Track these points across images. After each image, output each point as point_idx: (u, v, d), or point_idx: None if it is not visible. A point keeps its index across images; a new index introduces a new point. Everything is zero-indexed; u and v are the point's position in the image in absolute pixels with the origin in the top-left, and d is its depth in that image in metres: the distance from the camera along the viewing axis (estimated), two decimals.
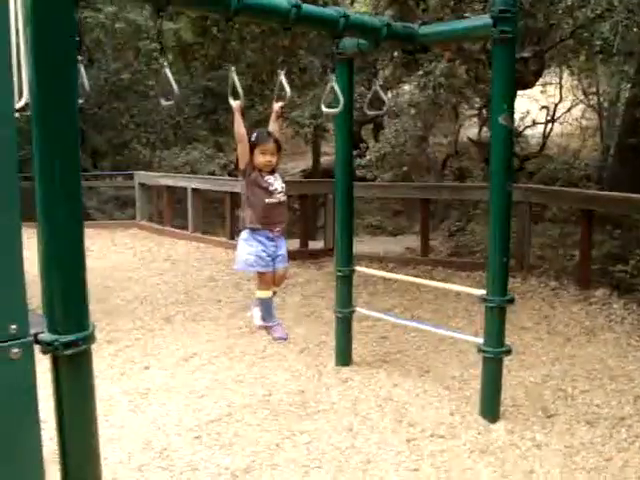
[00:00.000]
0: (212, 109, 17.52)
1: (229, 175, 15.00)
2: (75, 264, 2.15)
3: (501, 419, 4.36)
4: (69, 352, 2.11)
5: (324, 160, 20.35)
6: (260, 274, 4.30)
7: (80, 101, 2.29)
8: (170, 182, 12.74)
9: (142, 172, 13.99)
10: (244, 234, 4.26)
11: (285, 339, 4.63)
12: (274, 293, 4.51)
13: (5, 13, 1.80)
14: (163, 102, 3.32)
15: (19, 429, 2.08)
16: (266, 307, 4.44)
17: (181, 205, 13.20)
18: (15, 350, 2.02)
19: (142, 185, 13.45)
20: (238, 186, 11.36)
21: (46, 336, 2.11)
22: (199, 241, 11.48)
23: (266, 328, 4.53)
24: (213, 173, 14.67)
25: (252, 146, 4.06)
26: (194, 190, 11.96)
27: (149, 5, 3.12)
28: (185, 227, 12.17)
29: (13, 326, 2.01)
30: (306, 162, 20.75)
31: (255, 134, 4.13)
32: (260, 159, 4.07)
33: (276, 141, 4.15)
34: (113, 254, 10.56)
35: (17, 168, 1.99)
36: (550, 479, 3.63)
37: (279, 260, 4.32)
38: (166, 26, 15.11)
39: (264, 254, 4.18)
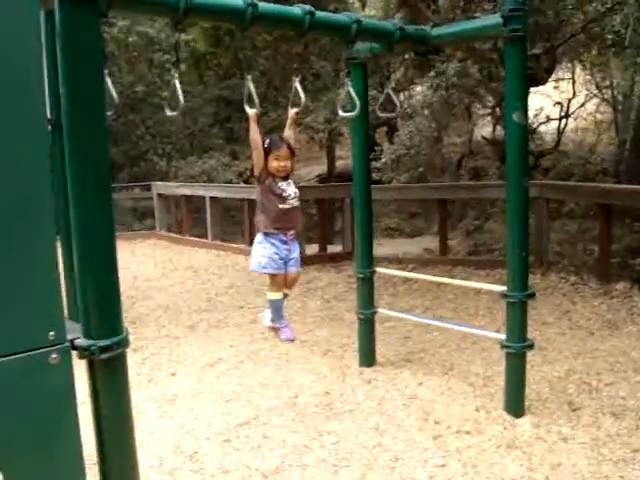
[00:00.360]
0: (226, 118, 17.66)
1: (245, 183, 15.11)
2: (108, 271, 2.23)
3: (526, 414, 4.38)
4: (105, 356, 2.19)
5: (339, 164, 20.42)
6: (271, 276, 4.39)
7: (109, 113, 2.37)
8: (188, 191, 12.86)
9: (160, 182, 14.14)
10: (258, 237, 4.35)
11: (292, 340, 4.71)
12: (285, 295, 4.59)
13: (37, 29, 1.88)
14: (168, 112, 3.42)
15: (59, 432, 2.15)
16: (275, 308, 4.53)
17: (199, 214, 13.32)
18: (54, 356, 2.09)
19: (160, 195, 13.59)
20: (255, 193, 11.46)
21: (83, 341, 2.18)
22: (219, 249, 11.58)
23: (274, 329, 4.62)
24: (230, 181, 14.79)
25: (266, 152, 4.14)
26: (212, 199, 12.06)
27: (167, 18, 3.18)
28: (204, 236, 12.28)
29: (51, 333, 2.09)
30: (321, 167, 20.82)
31: (268, 140, 4.21)
32: (274, 164, 4.15)
33: (289, 146, 4.22)
34: (134, 264, 10.66)
35: (50, 180, 2.07)
36: (577, 471, 3.64)
37: (291, 264, 4.41)
38: (174, 40, 15.23)
39: (276, 257, 4.27)
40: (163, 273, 9.95)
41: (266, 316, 4.64)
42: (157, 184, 13.91)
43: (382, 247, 10.68)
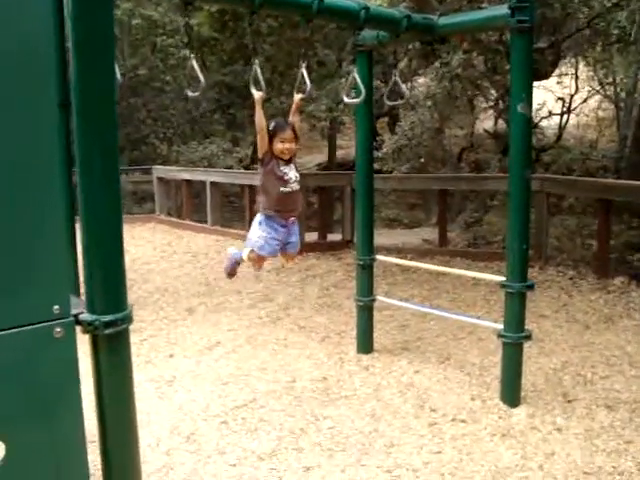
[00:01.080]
0: (228, 104, 17.63)
1: (245, 169, 15.11)
2: (114, 247, 2.25)
3: (522, 404, 4.42)
4: (109, 331, 2.20)
5: (339, 153, 20.42)
6: (260, 256, 4.40)
7: None
8: (188, 176, 12.86)
9: (160, 166, 14.12)
10: (258, 217, 4.35)
11: (229, 274, 4.68)
12: (282, 266, 4.61)
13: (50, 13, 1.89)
14: (189, 93, 3.42)
15: (62, 406, 2.17)
16: (233, 261, 4.55)
17: (199, 199, 13.32)
18: (58, 329, 2.11)
19: (160, 179, 13.58)
20: (256, 179, 11.44)
21: (87, 316, 2.20)
22: (218, 234, 11.59)
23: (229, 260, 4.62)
24: (230, 167, 14.78)
25: (271, 135, 4.15)
26: (212, 184, 12.06)
27: None
28: (204, 221, 12.28)
29: (56, 307, 2.10)
30: (322, 156, 20.81)
31: (273, 123, 4.21)
32: (279, 146, 4.16)
33: (293, 129, 4.24)
34: (133, 247, 10.66)
35: (58, 156, 2.08)
36: (571, 461, 3.68)
37: (290, 246, 4.43)
38: (182, 22, 15.22)
39: (274, 241, 4.28)
40: (162, 257, 9.97)
41: (230, 252, 4.66)
42: (157, 168, 13.90)
43: (381, 237, 10.67)
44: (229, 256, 4.61)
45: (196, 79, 3.23)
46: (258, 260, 4.42)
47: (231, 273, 4.62)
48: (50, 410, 2.14)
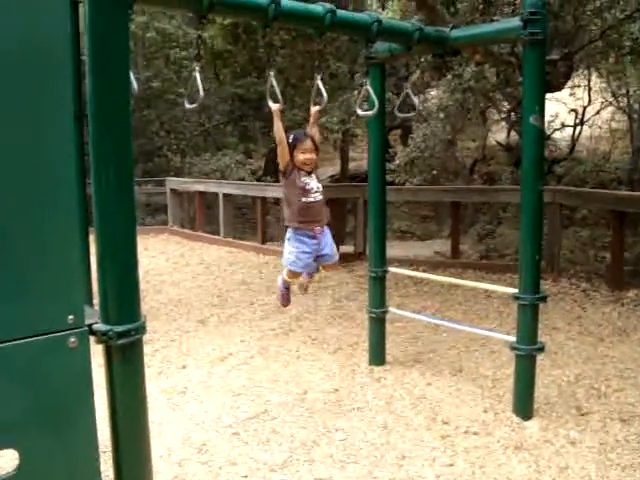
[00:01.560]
0: (241, 116, 17.71)
1: (258, 181, 15.16)
2: (128, 259, 2.26)
3: (535, 417, 4.39)
4: (122, 342, 2.22)
5: (351, 165, 20.43)
6: (294, 273, 4.41)
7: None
8: (201, 188, 12.91)
9: (174, 178, 14.20)
10: (287, 233, 4.38)
11: (285, 305, 4.70)
12: (316, 272, 4.62)
13: (66, 18, 1.91)
14: (187, 105, 3.45)
15: (75, 416, 2.18)
16: (282, 284, 4.56)
17: (211, 211, 13.37)
18: (72, 339, 2.12)
19: (173, 191, 13.64)
20: (269, 191, 11.52)
21: (101, 326, 2.22)
22: (231, 245, 11.62)
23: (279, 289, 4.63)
24: (243, 179, 14.83)
25: (291, 147, 4.16)
26: (225, 195, 12.11)
27: (192, 12, 3.21)
28: (216, 232, 12.32)
29: (70, 316, 2.12)
30: (334, 168, 20.83)
31: (292, 135, 4.23)
32: (300, 157, 4.17)
33: (312, 140, 4.25)
34: (146, 258, 10.71)
35: (74, 167, 2.10)
36: (585, 475, 3.65)
37: (325, 259, 4.42)
38: (196, 34, 15.32)
39: (305, 255, 4.27)
40: (175, 268, 10.01)
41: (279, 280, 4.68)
42: (171, 179, 13.97)
43: (393, 249, 10.66)
44: (278, 285, 4.62)
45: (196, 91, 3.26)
46: (294, 276, 4.42)
47: (284, 302, 4.62)
48: (63, 420, 2.15)
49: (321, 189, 4.32)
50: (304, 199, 4.20)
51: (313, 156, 4.22)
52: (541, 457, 3.86)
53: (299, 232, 4.27)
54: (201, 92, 3.17)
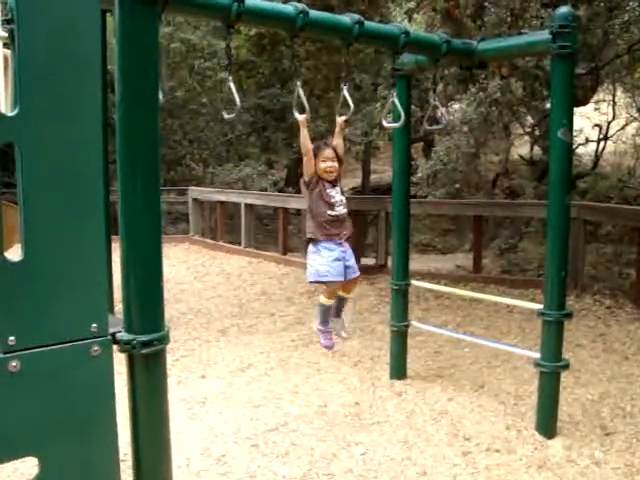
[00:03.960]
0: (263, 127, 17.78)
1: (279, 192, 15.18)
2: (154, 268, 2.25)
3: (558, 435, 4.32)
4: (145, 351, 2.20)
5: (373, 178, 20.44)
6: (328, 284, 4.35)
7: None
8: (223, 198, 12.94)
9: (196, 187, 14.25)
10: (311, 247, 4.31)
11: (329, 348, 4.67)
12: (345, 299, 4.57)
13: (98, 26, 1.91)
14: (225, 115, 3.44)
15: (96, 424, 2.17)
16: (323, 312, 4.50)
17: (233, 221, 13.40)
18: (95, 348, 2.11)
19: (195, 200, 13.69)
20: (291, 202, 11.51)
21: (124, 335, 2.20)
22: (252, 256, 11.62)
23: (319, 332, 4.60)
24: (265, 190, 14.87)
25: (314, 157, 4.14)
26: (247, 205, 12.13)
27: (220, 22, 3.21)
28: (237, 242, 12.33)
29: (94, 325, 2.11)
30: (355, 180, 20.84)
31: (313, 146, 4.21)
32: (321, 166, 4.15)
33: (334, 149, 4.22)
34: (167, 267, 10.63)
35: (102, 176, 2.09)
36: None
37: (350, 271, 4.38)
38: (221, 45, 15.44)
39: (336, 262, 4.23)
40: (195, 277, 10.02)
41: (316, 319, 4.64)
42: (193, 189, 14.03)
43: (414, 262, 10.56)
44: (317, 330, 4.57)
45: (232, 101, 3.25)
46: (333, 292, 4.37)
47: (328, 343, 4.58)
48: (85, 428, 2.13)
49: (345, 202, 4.30)
50: (329, 212, 4.17)
51: (335, 164, 4.19)
52: (565, 477, 3.79)
53: (324, 242, 4.23)
54: (237, 102, 3.16)
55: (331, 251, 4.21)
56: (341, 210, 4.23)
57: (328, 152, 4.17)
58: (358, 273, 4.50)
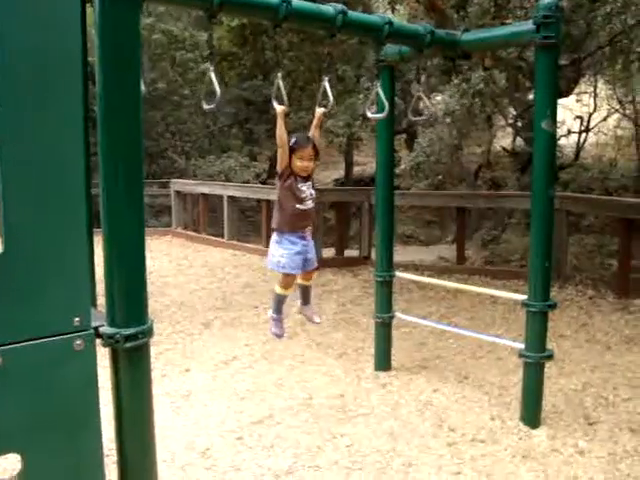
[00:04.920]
0: (246, 118, 17.69)
1: (262, 184, 15.13)
2: (137, 261, 2.22)
3: (542, 425, 4.34)
4: (129, 345, 2.18)
5: (356, 170, 20.41)
6: (285, 275, 4.37)
7: None
8: (206, 190, 12.87)
9: (178, 180, 14.16)
10: (275, 236, 4.32)
11: (279, 336, 4.67)
12: (308, 286, 4.58)
13: (77, 17, 1.88)
14: (205, 105, 3.39)
15: (80, 419, 2.14)
16: (277, 301, 4.52)
17: (215, 213, 13.33)
18: (78, 342, 2.09)
19: (178, 193, 13.61)
20: (273, 194, 11.45)
21: (107, 329, 2.17)
22: (235, 248, 11.58)
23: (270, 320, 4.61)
24: (247, 182, 14.80)
25: (291, 150, 4.11)
26: (230, 198, 12.08)
27: (202, 11, 3.17)
28: (220, 235, 12.28)
29: (77, 319, 2.08)
30: (338, 172, 20.80)
31: (294, 139, 4.18)
32: (298, 164, 4.12)
33: (314, 147, 4.20)
34: (149, 260, 10.52)
35: (83, 168, 2.06)
36: None
37: (309, 263, 4.39)
38: (202, 37, 15.34)
39: (297, 256, 4.24)
40: (179, 270, 9.97)
41: (269, 314, 4.65)
42: (175, 181, 13.94)
43: (397, 254, 10.56)
44: (270, 318, 4.56)
45: (213, 92, 3.21)
46: (288, 284, 4.37)
47: (278, 331, 4.56)
48: (69, 423, 2.11)
49: (314, 196, 4.29)
50: (298, 206, 4.16)
51: (310, 164, 4.17)
52: (549, 466, 3.81)
53: (288, 235, 4.23)
54: (218, 93, 3.12)
55: (294, 244, 4.21)
56: (309, 204, 4.22)
57: (308, 151, 4.13)
58: (316, 265, 4.51)
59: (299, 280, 4.49)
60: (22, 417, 2.01)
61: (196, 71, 15.97)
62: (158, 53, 16.29)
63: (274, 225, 4.29)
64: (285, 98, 3.74)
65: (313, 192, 4.27)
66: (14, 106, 1.85)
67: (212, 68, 3.20)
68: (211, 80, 3.19)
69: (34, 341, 2.01)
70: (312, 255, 4.39)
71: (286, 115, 3.93)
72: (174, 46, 16.12)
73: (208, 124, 17.49)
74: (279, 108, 3.93)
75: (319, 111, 4.23)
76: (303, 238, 4.25)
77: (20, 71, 1.86)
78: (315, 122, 4.31)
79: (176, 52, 16.13)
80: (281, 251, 4.24)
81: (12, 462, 3.27)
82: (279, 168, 4.21)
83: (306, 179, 4.22)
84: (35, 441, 2.05)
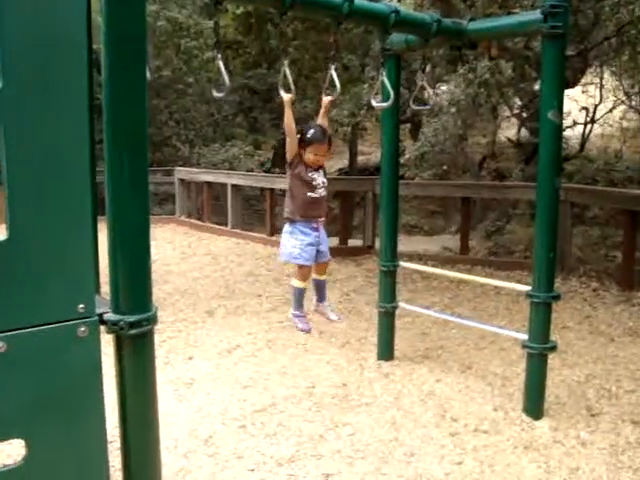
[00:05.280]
0: (250, 107, 17.66)
1: (266, 172, 15.12)
2: (141, 248, 2.22)
3: (545, 416, 4.34)
4: (133, 332, 2.17)
5: (360, 159, 20.41)
6: (300, 266, 4.37)
7: None
8: (210, 178, 12.87)
9: (182, 168, 14.15)
10: (287, 227, 4.32)
11: (307, 331, 4.68)
12: (322, 281, 4.58)
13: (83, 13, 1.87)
14: (215, 94, 3.38)
15: (84, 406, 2.15)
16: (297, 296, 4.53)
17: (219, 202, 13.32)
18: (82, 328, 2.09)
19: (182, 181, 13.60)
20: (278, 183, 11.47)
21: (111, 316, 2.17)
22: (238, 237, 11.58)
23: (294, 317, 4.61)
24: (251, 170, 14.79)
25: (306, 142, 4.10)
26: (234, 186, 12.07)
27: None
28: (223, 223, 12.28)
29: (81, 305, 2.08)
30: (343, 161, 20.79)
31: (312, 131, 4.16)
32: (311, 157, 4.12)
33: (330, 143, 4.19)
34: (153, 248, 10.42)
35: (88, 154, 2.06)
36: (597, 477, 3.60)
37: (321, 255, 4.39)
38: (207, 25, 15.29)
39: (309, 247, 4.24)
40: (182, 258, 9.97)
41: (291, 312, 4.66)
42: (179, 169, 13.92)
43: (401, 244, 10.52)
44: (292, 316, 4.57)
45: (221, 80, 3.19)
46: (305, 275, 4.38)
47: (306, 327, 4.57)
48: (72, 410, 2.12)
49: (326, 184, 4.29)
50: (310, 194, 4.16)
51: (323, 160, 4.17)
52: (551, 457, 3.81)
53: (301, 225, 4.22)
54: (227, 81, 3.11)
55: (306, 235, 4.22)
56: (322, 192, 4.22)
57: (324, 148, 4.14)
58: (329, 257, 4.51)
59: (313, 275, 4.50)
60: (26, 403, 2.02)
61: (200, 59, 15.94)
62: (162, 41, 16.24)
63: (286, 214, 4.30)
64: (292, 86, 3.73)
65: (325, 180, 4.26)
66: (15, 86, 1.85)
67: (219, 57, 3.19)
68: (219, 69, 3.17)
69: (38, 327, 2.01)
70: (325, 247, 4.40)
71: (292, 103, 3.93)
72: (179, 34, 16.07)
73: (212, 112, 17.46)
74: (286, 96, 3.93)
75: (326, 99, 4.23)
76: (315, 229, 4.25)
77: (21, 51, 1.85)
78: (323, 110, 4.31)
79: (180, 40, 16.08)
80: (293, 242, 4.25)
81: (16, 447, 3.28)
82: (289, 157, 4.21)
83: (317, 168, 4.22)
84: (39, 427, 2.06)
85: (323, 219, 4.35)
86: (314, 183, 4.16)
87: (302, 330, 4.62)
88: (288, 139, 4.10)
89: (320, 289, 4.65)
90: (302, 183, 4.14)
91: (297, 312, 4.56)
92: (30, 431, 2.05)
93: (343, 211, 11.01)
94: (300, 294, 4.52)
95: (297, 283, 4.46)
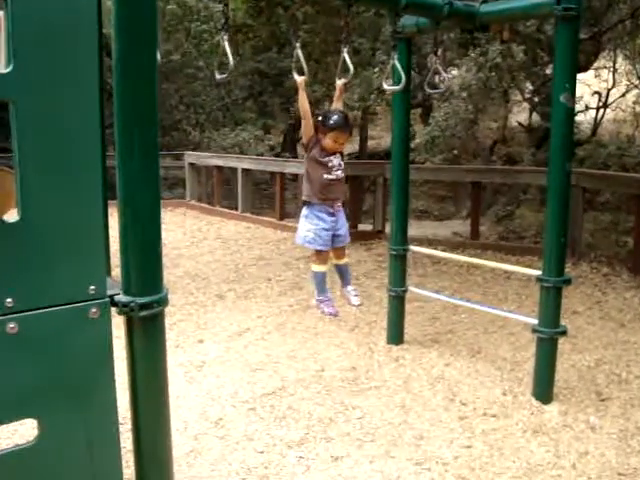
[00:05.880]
0: (260, 91, 17.60)
1: (276, 157, 15.09)
2: (152, 229, 2.22)
3: (554, 401, 4.34)
4: (144, 313, 2.18)
5: (370, 144, 20.32)
6: (317, 251, 4.37)
7: None
8: (220, 162, 12.86)
9: (192, 152, 14.14)
10: (304, 210, 4.31)
11: (335, 315, 4.68)
12: (343, 266, 4.58)
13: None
14: (217, 76, 3.36)
15: (95, 386, 2.17)
16: (318, 281, 4.52)
17: (229, 186, 13.33)
18: (94, 310, 2.10)
19: (192, 165, 13.60)
20: (288, 167, 11.46)
21: (122, 297, 2.18)
22: (248, 221, 11.59)
23: (319, 303, 4.61)
24: (261, 154, 14.76)
25: (328, 128, 4.08)
26: (244, 170, 12.06)
27: None
28: (234, 207, 12.29)
29: (92, 287, 2.10)
30: (352, 146, 20.70)
31: (335, 117, 4.13)
32: (330, 144, 4.10)
33: (351, 131, 4.18)
34: (163, 232, 10.44)
35: (99, 136, 2.06)
36: (605, 461, 3.61)
37: (339, 240, 4.37)
38: (217, 8, 15.21)
39: (324, 232, 4.22)
40: (192, 242, 10.00)
41: (316, 299, 4.67)
42: (189, 153, 13.92)
43: (411, 228, 10.51)
44: (317, 302, 4.57)
45: (226, 62, 3.18)
46: (323, 259, 4.37)
47: (333, 310, 4.57)
48: (83, 391, 2.13)
49: (343, 166, 4.27)
50: (326, 175, 4.14)
51: (343, 147, 4.16)
52: (560, 442, 3.82)
53: (318, 208, 4.21)
54: (231, 62, 3.09)
55: (321, 220, 4.20)
56: (339, 174, 4.20)
57: (345, 136, 4.12)
58: (348, 240, 4.50)
59: (333, 260, 4.51)
60: (38, 383, 2.03)
61: (210, 43, 15.87)
62: (172, 24, 16.18)
63: (304, 197, 4.29)
64: (305, 68, 3.71)
65: (342, 163, 4.25)
66: (27, 68, 1.86)
67: (226, 37, 3.17)
68: (223, 49, 3.16)
69: (50, 308, 2.02)
70: (343, 231, 4.38)
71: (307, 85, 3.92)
72: (188, 17, 15.99)
73: (222, 96, 17.41)
74: (300, 79, 3.91)
75: (340, 82, 4.21)
76: (332, 214, 4.23)
77: (33, 32, 1.87)
78: (337, 94, 4.29)
79: (190, 24, 16.01)
80: (308, 226, 4.24)
81: (29, 429, 3.32)
82: (304, 139, 4.20)
83: (334, 152, 4.21)
84: (51, 407, 2.08)
85: (341, 202, 4.33)
86: (330, 165, 4.14)
87: (329, 314, 4.61)
88: (303, 122, 4.08)
89: (342, 274, 4.65)
90: (318, 165, 4.12)
91: (321, 297, 4.56)
92: (42, 411, 2.07)
93: (353, 196, 10.98)
94: (321, 278, 4.51)
95: (316, 267, 4.45)
